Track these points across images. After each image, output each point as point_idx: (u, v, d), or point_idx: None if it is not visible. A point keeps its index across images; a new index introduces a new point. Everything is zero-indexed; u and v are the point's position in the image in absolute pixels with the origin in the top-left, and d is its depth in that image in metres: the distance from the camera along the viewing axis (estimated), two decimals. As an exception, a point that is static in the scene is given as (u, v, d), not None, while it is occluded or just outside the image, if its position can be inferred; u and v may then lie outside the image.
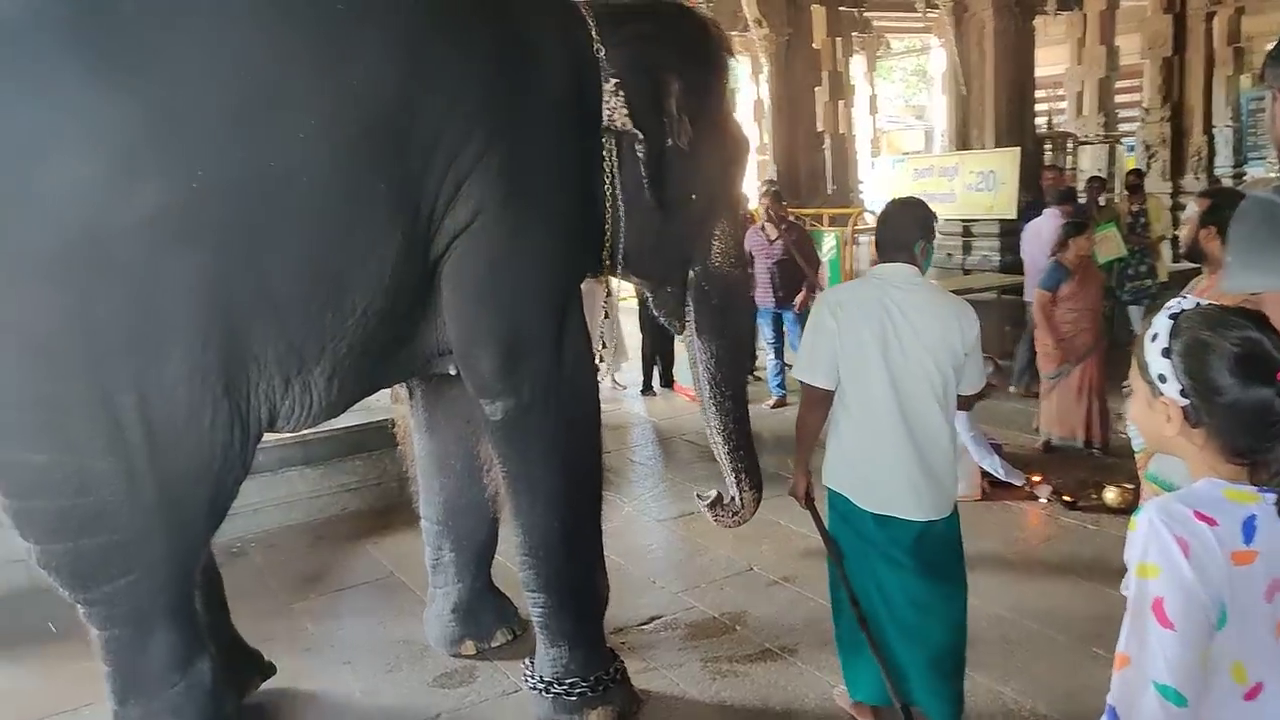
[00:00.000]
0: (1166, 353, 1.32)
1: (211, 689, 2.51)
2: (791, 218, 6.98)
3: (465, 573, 3.38)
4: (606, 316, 5.65)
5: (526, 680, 3.04)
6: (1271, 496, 1.28)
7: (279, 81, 2.27)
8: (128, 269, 2.14)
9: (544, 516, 2.85)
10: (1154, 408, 1.36)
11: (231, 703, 2.64)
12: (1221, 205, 2.86)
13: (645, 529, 4.68)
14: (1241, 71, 12.43)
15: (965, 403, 2.77)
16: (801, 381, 2.76)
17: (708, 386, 3.18)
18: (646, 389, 7.21)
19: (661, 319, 3.33)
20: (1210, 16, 9.39)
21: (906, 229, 2.70)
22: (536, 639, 3.01)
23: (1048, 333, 5.36)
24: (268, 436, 3.79)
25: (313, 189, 2.31)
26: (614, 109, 2.72)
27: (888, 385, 2.60)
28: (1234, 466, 1.32)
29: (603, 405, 5.74)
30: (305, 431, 4.72)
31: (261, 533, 4.60)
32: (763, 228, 6.60)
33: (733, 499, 3.27)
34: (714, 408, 3.19)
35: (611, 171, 2.80)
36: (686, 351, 3.33)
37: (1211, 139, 9.89)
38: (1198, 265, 3.01)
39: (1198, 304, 1.36)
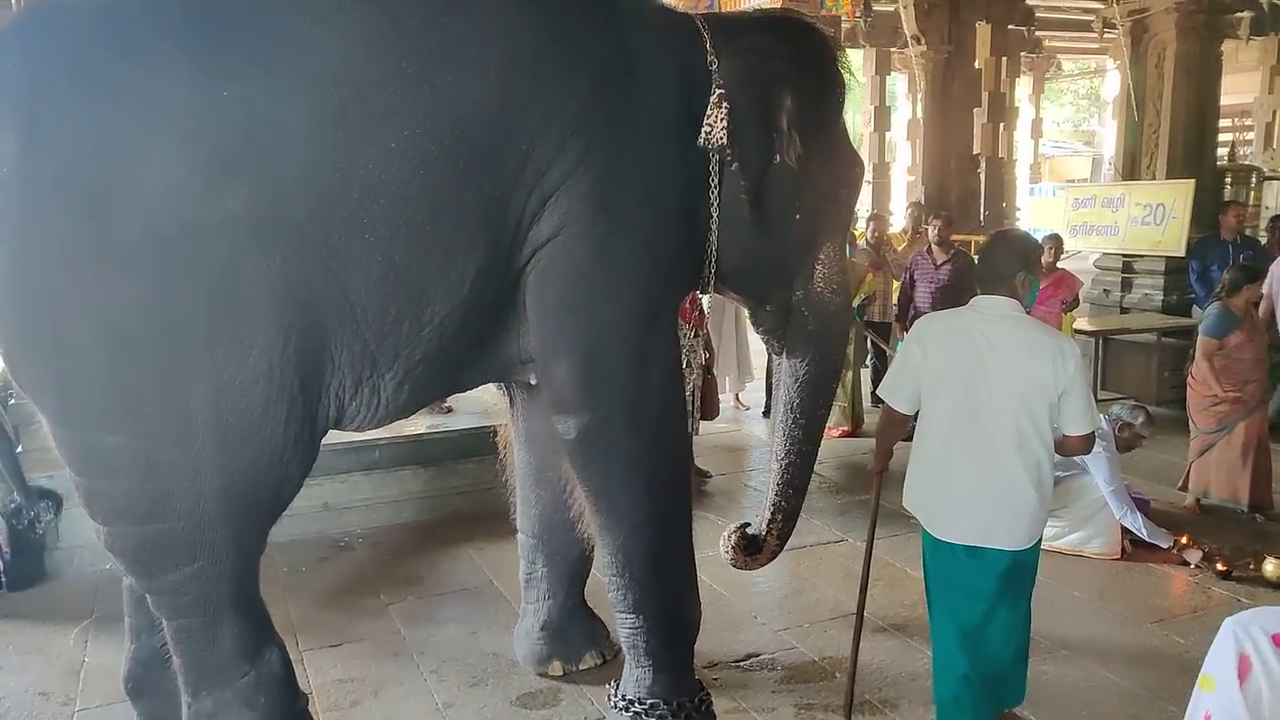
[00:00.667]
0: None
1: (283, 677, 2.53)
2: (959, 245, 6.77)
3: (558, 590, 3.32)
4: (736, 344, 5.49)
5: (609, 699, 2.98)
6: None
7: (377, 91, 2.30)
8: (212, 265, 2.21)
9: (629, 539, 2.79)
10: None
11: (303, 695, 2.68)
12: None
13: (752, 559, 4.50)
14: None
15: (1076, 444, 2.71)
16: (884, 399, 2.87)
17: (783, 410, 3.10)
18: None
19: (761, 337, 3.24)
20: None
21: (1006, 261, 2.70)
22: (625, 657, 2.96)
23: (1215, 383, 4.91)
24: (383, 433, 3.94)
25: (399, 199, 2.33)
26: (713, 123, 2.64)
27: (972, 418, 2.62)
28: None
29: (723, 426, 5.60)
30: (422, 431, 4.91)
31: (371, 529, 4.70)
32: (929, 250, 6.48)
33: (756, 537, 3.18)
34: (782, 434, 3.10)
35: (714, 185, 2.74)
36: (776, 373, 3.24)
37: None
38: None
39: None
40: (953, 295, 6.17)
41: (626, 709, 2.89)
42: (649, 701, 2.86)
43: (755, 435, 6.68)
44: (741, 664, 3.44)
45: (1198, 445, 5.06)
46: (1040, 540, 2.72)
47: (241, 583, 2.46)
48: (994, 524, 2.62)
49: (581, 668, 3.32)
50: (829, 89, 2.91)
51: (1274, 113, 12.16)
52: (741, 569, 3.30)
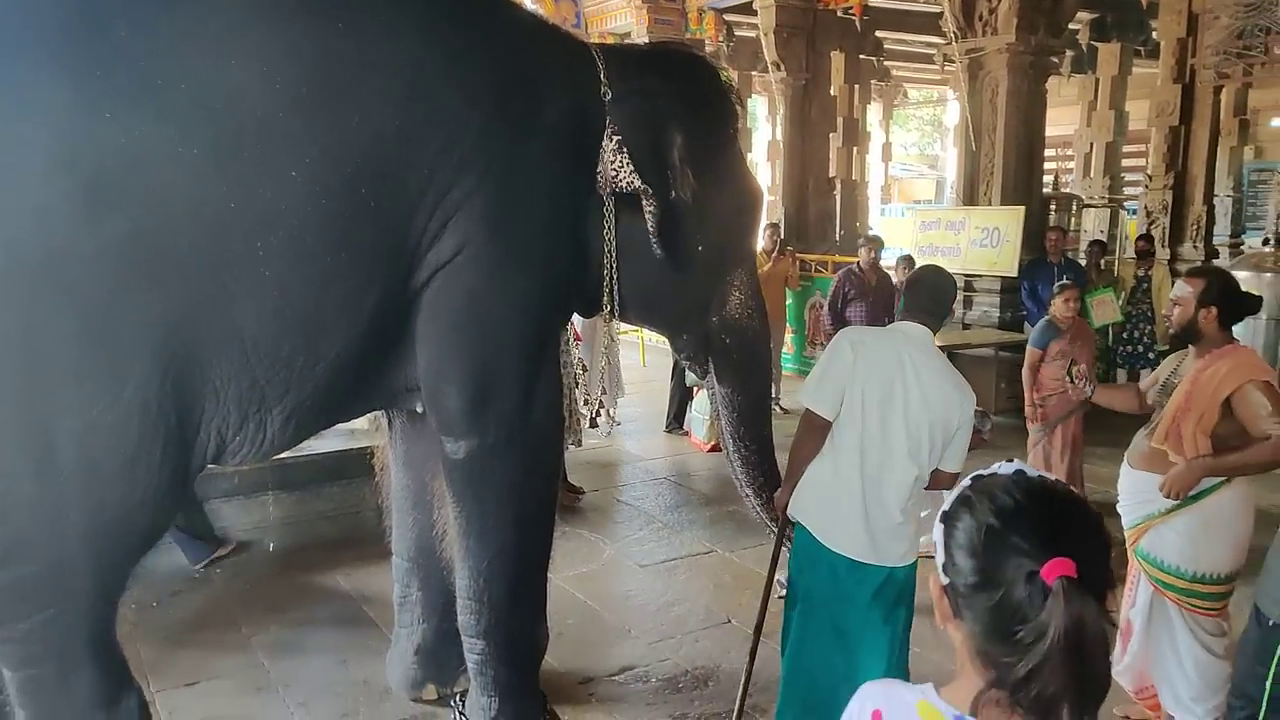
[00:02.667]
0: (944, 517, 1.10)
1: None
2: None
3: (432, 613, 3.28)
4: (608, 362, 5.63)
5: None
6: None
7: (274, 118, 2.22)
8: (83, 296, 2.08)
9: (493, 562, 2.82)
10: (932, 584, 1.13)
11: None
12: (1216, 284, 2.81)
13: (625, 574, 4.58)
14: (1246, 143, 12.54)
15: (947, 480, 2.71)
16: (806, 406, 2.75)
17: (731, 440, 3.21)
18: (671, 425, 7.25)
19: (684, 364, 3.34)
20: (1219, 89, 9.38)
21: (939, 299, 2.80)
22: (470, 683, 2.98)
23: (1029, 390, 5.37)
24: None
25: (297, 230, 2.26)
26: (616, 165, 2.68)
27: (880, 436, 2.63)
28: (981, 678, 1.05)
29: (594, 442, 5.65)
30: (284, 454, 4.74)
31: (230, 558, 4.48)
32: (859, 269, 7.14)
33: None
34: (739, 460, 3.21)
35: (610, 219, 2.77)
36: (701, 401, 3.33)
37: (1211, 209, 9.87)
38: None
39: (1016, 469, 1.09)
40: (884, 312, 6.77)
41: None
42: None
43: (627, 450, 6.78)
44: (616, 678, 3.49)
45: (1029, 445, 5.47)
46: (915, 563, 2.73)
47: (100, 628, 2.32)
48: (879, 542, 2.64)
49: (457, 689, 3.28)
50: (718, 120, 2.96)
51: (1091, 144, 13.22)
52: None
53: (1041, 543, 0.99)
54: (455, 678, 3.29)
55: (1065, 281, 5.55)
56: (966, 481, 1.10)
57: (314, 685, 3.42)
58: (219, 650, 3.64)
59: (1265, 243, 9.04)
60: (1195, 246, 9.62)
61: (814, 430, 2.73)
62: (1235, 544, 2.77)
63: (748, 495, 3.25)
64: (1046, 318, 5.42)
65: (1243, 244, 11.32)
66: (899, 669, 2.74)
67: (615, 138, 2.68)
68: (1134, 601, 2.92)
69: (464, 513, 2.78)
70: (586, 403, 5.65)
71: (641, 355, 9.79)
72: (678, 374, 7.18)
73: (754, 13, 11.01)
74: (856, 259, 7.33)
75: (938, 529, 1.10)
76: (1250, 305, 2.92)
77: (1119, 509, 3.04)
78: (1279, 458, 2.66)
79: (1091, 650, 0.96)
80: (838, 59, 11.59)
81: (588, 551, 4.80)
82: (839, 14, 10.73)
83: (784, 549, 2.95)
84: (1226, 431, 2.70)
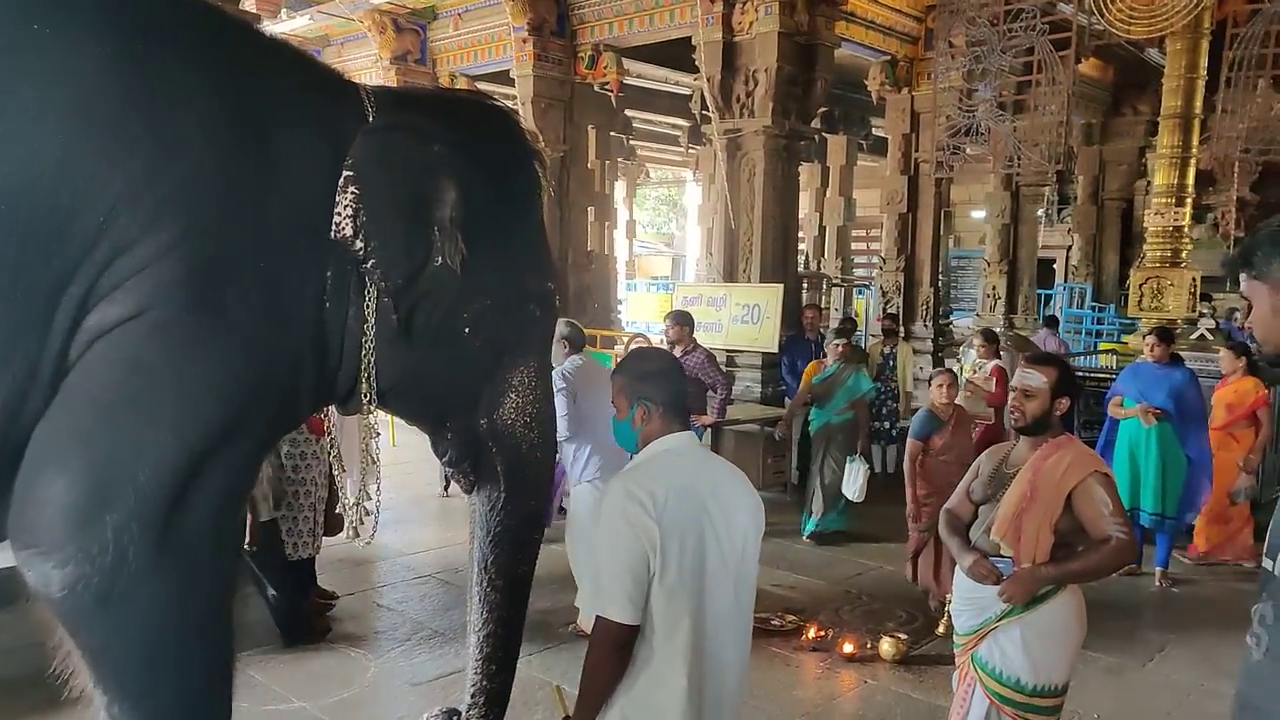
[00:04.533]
0: None
1: None
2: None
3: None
4: (370, 460, 4.93)
5: None
6: None
7: None
8: None
9: None
10: None
11: None
12: (1066, 373, 2.74)
13: (395, 696, 3.91)
14: (950, 233, 14.14)
15: None
16: (598, 615, 1.95)
17: (478, 570, 2.61)
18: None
19: (445, 469, 2.73)
20: (939, 182, 10.44)
21: (682, 383, 2.16)
22: None
23: (911, 485, 4.90)
24: None
25: None
26: (342, 215, 2.15)
27: (717, 608, 1.99)
28: None
29: (346, 537, 4.92)
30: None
31: None
32: (671, 347, 6.46)
33: None
34: (478, 598, 2.60)
35: (369, 290, 2.24)
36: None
37: (938, 290, 10.88)
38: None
39: None
40: (699, 390, 6.21)
41: None
42: None
43: (384, 544, 6.03)
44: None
45: (913, 543, 4.99)
46: None
47: None
48: None
49: None
50: (512, 184, 2.48)
51: (822, 228, 14.33)
52: None
53: None
54: None
55: (940, 370, 5.20)
56: None
57: None
58: None
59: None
60: (926, 325, 10.47)
61: (617, 647, 1.93)
62: (1071, 652, 2.68)
63: (469, 643, 2.65)
64: (926, 408, 5.04)
65: (952, 322, 12.54)
66: None
67: (348, 173, 2.16)
68: (966, 713, 2.73)
69: (100, 671, 2.00)
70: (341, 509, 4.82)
71: (391, 434, 9.00)
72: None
73: (510, 82, 10.84)
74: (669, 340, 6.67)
75: None
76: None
77: (951, 610, 2.89)
78: (1121, 562, 2.60)
79: None
80: (592, 134, 11.67)
81: (347, 671, 4.08)
82: (596, 89, 10.81)
83: None
84: (1064, 526, 2.62)
